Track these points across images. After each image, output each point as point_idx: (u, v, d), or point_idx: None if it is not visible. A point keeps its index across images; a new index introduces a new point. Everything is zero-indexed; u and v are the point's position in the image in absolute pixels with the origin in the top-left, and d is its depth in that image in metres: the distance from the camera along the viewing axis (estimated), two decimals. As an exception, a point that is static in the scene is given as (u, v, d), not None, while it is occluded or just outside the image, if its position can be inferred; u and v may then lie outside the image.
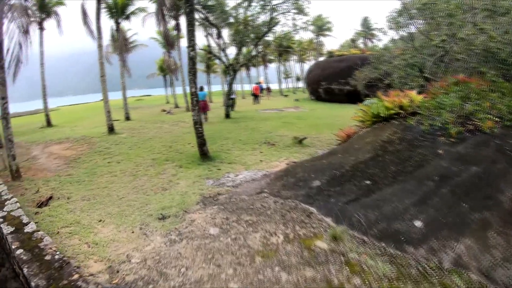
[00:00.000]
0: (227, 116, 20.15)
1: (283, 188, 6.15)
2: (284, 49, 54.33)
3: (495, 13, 8.32)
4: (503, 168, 4.53)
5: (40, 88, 21.47)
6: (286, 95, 48.94)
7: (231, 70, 20.99)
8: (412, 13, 11.66)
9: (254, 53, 25.97)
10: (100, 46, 16.15)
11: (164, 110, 27.58)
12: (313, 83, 35.03)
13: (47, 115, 20.86)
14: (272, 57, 60.25)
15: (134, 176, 8.64)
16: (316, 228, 4.49)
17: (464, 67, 9.27)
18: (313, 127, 14.98)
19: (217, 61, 31.12)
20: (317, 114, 21.03)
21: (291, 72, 74.54)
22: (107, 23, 23.57)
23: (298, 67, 73.70)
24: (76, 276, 3.73)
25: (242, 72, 57.33)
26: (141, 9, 23.61)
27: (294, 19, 20.37)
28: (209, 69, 43.54)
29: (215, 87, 49.79)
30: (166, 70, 36.19)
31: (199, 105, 9.80)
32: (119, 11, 22.68)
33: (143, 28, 27.61)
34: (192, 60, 9.48)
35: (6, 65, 8.71)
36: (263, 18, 20.30)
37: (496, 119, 5.48)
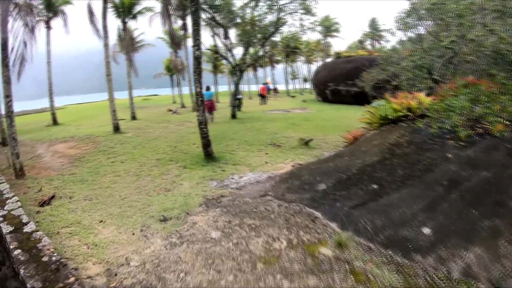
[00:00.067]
0: (233, 116, 20.07)
1: (288, 191, 6.00)
2: (292, 49, 54.17)
3: (505, 14, 8.15)
4: (514, 173, 4.36)
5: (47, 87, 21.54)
6: (293, 96, 48.81)
7: (237, 71, 20.91)
8: (420, 14, 11.50)
9: (261, 53, 25.87)
10: (106, 45, 16.15)
11: (171, 110, 27.59)
12: (320, 84, 34.84)
13: (53, 114, 20.94)
14: (279, 58, 60.12)
15: (138, 176, 8.55)
16: (321, 234, 4.33)
17: (474, 69, 9.09)
18: (319, 129, 14.84)
19: (224, 61, 31.02)
20: (324, 116, 20.85)
21: (298, 73, 74.30)
22: (114, 23, 23.55)
23: (305, 68, 73.51)
24: (72, 279, 3.63)
25: (249, 73, 57.34)
26: (148, 9, 23.62)
27: (301, 19, 20.27)
28: (216, 69, 43.49)
29: (222, 87, 49.79)
30: (173, 70, 36.23)
31: (204, 106, 9.69)
32: (126, 11, 22.69)
33: (150, 28, 27.62)
34: (197, 60, 9.37)
35: (10, 63, 8.67)
36: (270, 18, 20.24)
37: (507, 122, 5.32)
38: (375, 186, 5.16)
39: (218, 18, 20.52)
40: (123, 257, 4.35)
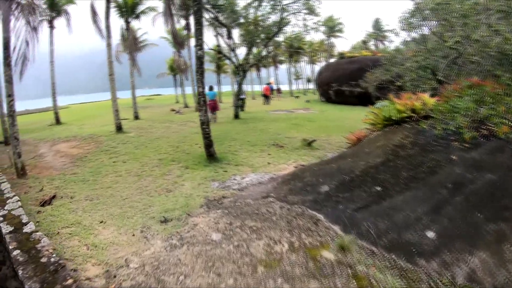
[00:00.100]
0: (236, 116, 20.01)
1: (290, 192, 5.93)
2: (295, 50, 54.03)
3: (510, 15, 8.08)
4: (520, 176, 4.27)
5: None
6: (297, 96, 48.73)
7: (240, 71, 20.86)
8: (425, 14, 11.42)
9: (264, 53, 25.82)
10: (109, 45, 16.15)
11: (174, 110, 27.58)
12: (323, 84, 34.76)
13: (56, 113, 20.97)
14: (282, 58, 60.02)
15: (139, 176, 8.51)
16: (323, 237, 4.26)
17: (478, 70, 9.02)
18: (322, 129, 14.76)
19: (227, 61, 31.00)
20: (327, 116, 20.77)
21: (302, 74, 74.17)
22: (117, 22, 23.55)
23: (308, 69, 73.33)
24: (70, 281, 3.59)
25: (252, 73, 57.26)
26: (151, 8, 23.61)
27: (304, 19, 20.22)
28: (219, 69, 43.44)
29: (225, 87, 49.75)
30: (176, 69, 36.24)
31: (206, 106, 9.63)
32: (129, 10, 22.70)
33: (153, 28, 27.62)
34: (199, 60, 9.32)
35: (13, 63, 8.65)
36: (274, 18, 20.20)
37: (512, 124, 5.23)
38: (378, 188, 5.09)
39: (221, 18, 20.52)
40: (122, 259, 4.30)
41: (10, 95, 8.71)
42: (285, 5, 19.23)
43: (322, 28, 47.78)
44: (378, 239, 3.98)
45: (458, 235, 3.71)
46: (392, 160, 5.77)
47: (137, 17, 23.56)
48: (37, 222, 5.80)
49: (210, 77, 42.61)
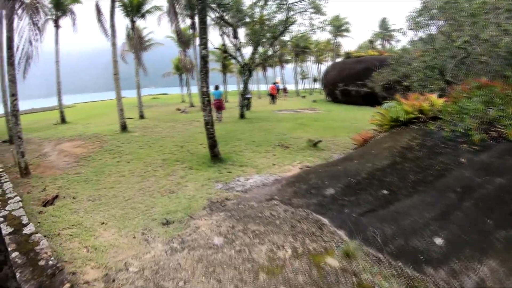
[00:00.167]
0: (242, 116, 19.92)
1: (295, 195, 5.80)
2: (301, 49, 53.85)
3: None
4: (531, 180, 4.11)
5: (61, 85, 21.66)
6: (303, 96, 48.59)
7: (246, 70, 20.74)
8: (432, 13, 11.26)
9: (270, 53, 25.69)
10: (114, 44, 16.12)
11: (179, 109, 27.55)
12: (330, 84, 34.55)
13: (61, 112, 21.00)
14: (289, 58, 59.87)
15: (142, 176, 8.43)
16: (328, 242, 4.12)
17: (487, 70, 8.88)
18: (328, 130, 14.60)
19: (233, 60, 30.92)
20: (333, 116, 20.58)
21: (308, 73, 73.93)
22: (123, 22, 23.62)
23: (315, 68, 73.10)
24: (67, 285, 3.52)
25: (259, 72, 57.19)
26: (157, 8, 23.57)
27: (311, 18, 20.06)
28: (225, 68, 43.39)
29: (231, 86, 49.69)
30: (182, 69, 36.22)
31: (210, 105, 9.52)
32: (134, 10, 22.68)
33: (160, 27, 27.62)
34: (204, 59, 9.21)
35: (16, 62, 8.62)
36: (280, 17, 20.07)
37: (522, 126, 5.08)
38: (385, 192, 4.95)
39: (226, 17, 20.43)
40: (122, 262, 4.21)
41: (13, 95, 8.67)
42: (291, 4, 19.12)
43: (329, 28, 47.50)
44: (385, 245, 3.84)
45: (467, 242, 3.56)
46: (399, 162, 5.63)
47: (143, 16, 23.54)
48: (38, 222, 5.75)
49: (216, 76, 42.62)
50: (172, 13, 10.30)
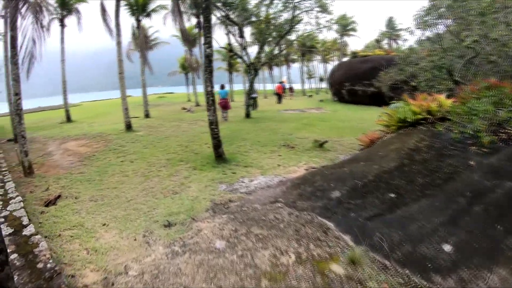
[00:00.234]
0: (248, 115, 19.82)
1: (300, 198, 5.66)
2: (308, 49, 53.65)
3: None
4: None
5: (67, 84, 21.70)
6: (310, 95, 48.38)
7: (252, 69, 20.62)
8: (440, 12, 11.08)
9: (276, 52, 25.57)
10: (119, 43, 16.09)
11: (185, 108, 27.52)
12: (336, 84, 34.32)
13: (67, 111, 21.03)
14: (295, 57, 59.70)
15: (146, 177, 8.36)
16: (333, 248, 3.98)
17: (495, 70, 8.73)
18: (334, 130, 14.46)
19: (239, 59, 30.84)
20: (339, 116, 20.41)
21: (314, 73, 73.66)
22: (128, 21, 23.65)
23: (321, 68, 72.81)
24: (64, 290, 3.43)
25: (265, 72, 57.04)
26: (162, 7, 23.51)
27: (317, 17, 19.90)
28: (231, 67, 43.29)
29: (237, 86, 49.63)
30: (188, 68, 36.17)
31: (215, 105, 9.42)
32: (140, 9, 22.66)
33: (165, 26, 27.60)
34: (208, 58, 9.10)
35: (20, 61, 8.57)
36: (286, 16, 19.94)
37: (532, 128, 4.94)
38: (392, 195, 4.80)
39: (232, 16, 20.32)
40: (122, 265, 4.14)
41: (17, 94, 8.63)
42: (297, 2, 18.98)
43: (335, 27, 47.31)
44: (391, 252, 3.71)
45: (476, 249, 3.43)
46: (407, 164, 5.48)
47: (148, 15, 23.50)
48: (40, 223, 5.72)
49: (222, 75, 42.57)
50: (176, 12, 10.21)
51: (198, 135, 13.84)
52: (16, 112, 8.74)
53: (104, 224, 5.56)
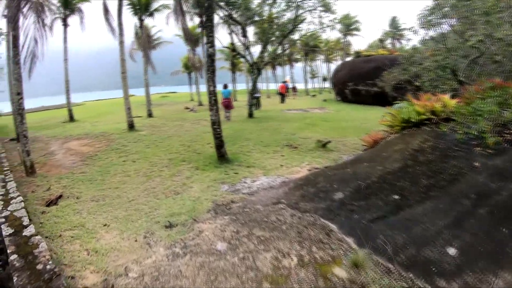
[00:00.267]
0: (251, 115, 19.74)
1: (302, 199, 5.60)
2: (311, 48, 53.54)
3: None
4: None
5: (71, 83, 21.74)
6: (314, 95, 48.19)
7: (255, 69, 20.55)
8: (444, 11, 11.01)
9: (279, 51, 25.50)
10: (121, 42, 16.07)
11: (188, 108, 27.49)
12: (339, 83, 34.18)
13: (69, 110, 21.02)
14: (298, 57, 59.60)
15: (148, 177, 8.32)
16: (335, 251, 3.92)
17: (500, 70, 8.66)
18: (338, 130, 14.37)
19: (242, 59, 30.82)
20: (342, 116, 20.31)
21: (318, 72, 73.53)
22: (131, 20, 23.66)
23: (324, 67, 72.70)
24: (63, 292, 3.39)
25: (268, 71, 56.95)
26: (165, 6, 23.52)
27: (320, 17, 19.83)
28: (234, 67, 43.23)
29: (240, 85, 49.52)
30: (191, 67, 36.14)
31: (217, 105, 9.37)
32: (143, 8, 22.69)
33: (168, 25, 27.58)
34: (210, 57, 9.05)
35: (21, 61, 8.55)
36: (289, 15, 19.88)
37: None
38: (396, 197, 4.73)
39: (235, 15, 20.25)
40: (122, 267, 4.09)
41: (19, 93, 8.61)
42: (300, 2, 18.91)
43: (338, 26, 47.16)
44: (395, 255, 3.64)
45: (481, 253, 3.36)
46: (411, 165, 5.41)
47: (151, 15, 23.53)
48: (41, 223, 5.69)
49: (225, 75, 42.45)
50: (179, 11, 10.18)
51: (200, 134, 13.80)
52: (18, 111, 8.72)
53: (105, 225, 5.52)
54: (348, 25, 53.87)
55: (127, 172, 8.78)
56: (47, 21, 16.39)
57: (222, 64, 43.06)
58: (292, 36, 23.79)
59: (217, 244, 4.39)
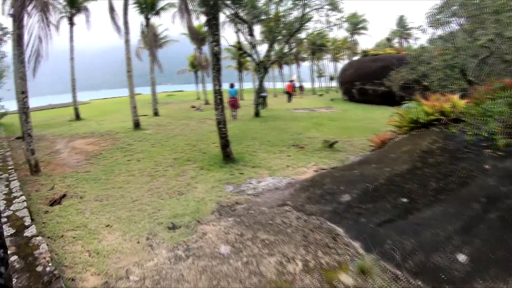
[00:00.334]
0: (257, 114, 19.64)
1: (308, 201, 5.47)
2: (318, 47, 53.32)
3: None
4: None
5: (78, 82, 21.82)
6: (321, 94, 47.98)
7: (262, 68, 20.43)
8: (453, 10, 10.83)
9: (286, 50, 25.36)
10: (127, 41, 16.02)
11: (194, 107, 27.45)
12: (346, 83, 34.00)
13: (76, 109, 21.07)
14: (305, 55, 59.41)
15: (152, 176, 8.25)
16: (342, 256, 3.79)
17: (510, 70, 8.50)
18: (345, 130, 14.22)
19: (248, 58, 30.74)
20: (349, 116, 20.15)
21: (325, 71, 73.26)
22: (138, 19, 23.65)
23: (331, 66, 72.42)
24: (62, 295, 3.32)
25: (274, 70, 56.84)
26: (171, 5, 23.39)
27: (327, 15, 19.67)
28: (241, 66, 43.11)
29: (247, 84, 49.43)
30: (197, 66, 36.08)
31: (223, 104, 9.26)
32: (149, 7, 22.68)
33: (174, 24, 27.52)
34: (216, 56, 8.94)
35: (26, 59, 8.51)
36: (295, 14, 19.72)
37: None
38: (404, 200, 4.59)
39: (241, 14, 20.14)
40: (123, 269, 4.02)
41: (23, 92, 8.58)
42: (307, 0, 18.74)
43: (346, 25, 46.94)
44: (403, 261, 3.51)
45: (491, 260, 3.24)
46: (419, 167, 5.26)
47: (157, 13, 23.52)
48: (43, 223, 5.65)
49: (232, 74, 42.36)
50: (184, 9, 10.09)
51: (206, 134, 13.72)
52: (23, 110, 8.69)
53: (107, 225, 5.45)
54: (355, 24, 53.51)
55: (131, 172, 8.72)
56: (53, 20, 16.42)
57: (228, 63, 42.95)
58: (299, 35, 23.59)
59: (221, 247, 4.29)
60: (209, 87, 33.15)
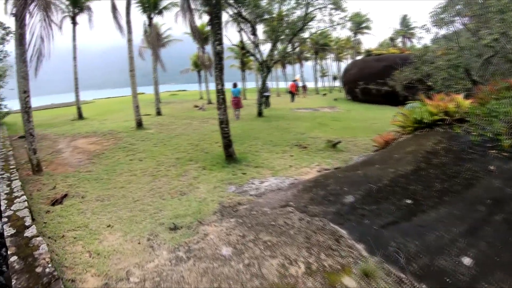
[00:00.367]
0: (260, 114, 19.61)
1: (311, 202, 5.40)
2: (321, 46, 53.23)
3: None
4: None
5: (81, 81, 21.81)
6: (324, 94, 47.95)
7: (265, 67, 20.39)
8: (458, 9, 10.78)
9: (289, 49, 25.28)
10: (129, 41, 16.01)
11: (197, 106, 27.41)
12: (349, 82, 33.96)
13: (78, 108, 21.09)
14: (308, 55, 59.32)
15: (154, 176, 8.22)
16: (345, 258, 3.72)
17: (513, 70, 8.46)
18: (348, 130, 14.16)
19: (251, 57, 30.73)
20: (353, 116, 20.09)
21: (328, 71, 73.14)
22: (140, 18, 23.64)
23: (335, 66, 72.27)
24: (61, 297, 3.29)
25: (278, 70, 56.76)
26: (174, 4, 23.35)
27: (331, 14, 19.60)
28: (244, 65, 43.05)
29: (250, 83, 49.44)
30: (200, 65, 36.04)
31: (225, 104, 9.21)
32: (152, 6, 22.65)
33: (177, 23, 27.58)
34: (218, 55, 8.88)
35: (28, 59, 8.49)
36: (299, 13, 19.66)
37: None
38: (409, 201, 4.52)
39: (244, 13, 20.08)
40: (124, 271, 3.98)
41: (25, 91, 8.55)
42: (310, -1, 18.69)
43: (349, 24, 46.83)
44: (408, 264, 3.44)
45: (497, 263, 3.16)
46: (424, 168, 5.19)
47: (160, 12, 23.50)
48: (45, 223, 5.63)
49: (235, 73, 42.36)
50: (186, 8, 10.05)
51: (209, 133, 13.68)
52: (25, 110, 8.67)
53: (108, 226, 5.41)
54: (359, 24, 53.35)
55: (133, 171, 8.69)
56: (56, 19, 16.41)
57: (231, 62, 42.91)
58: (302, 34, 23.55)
59: (222, 249, 4.24)
60: (212, 86, 33.14)
